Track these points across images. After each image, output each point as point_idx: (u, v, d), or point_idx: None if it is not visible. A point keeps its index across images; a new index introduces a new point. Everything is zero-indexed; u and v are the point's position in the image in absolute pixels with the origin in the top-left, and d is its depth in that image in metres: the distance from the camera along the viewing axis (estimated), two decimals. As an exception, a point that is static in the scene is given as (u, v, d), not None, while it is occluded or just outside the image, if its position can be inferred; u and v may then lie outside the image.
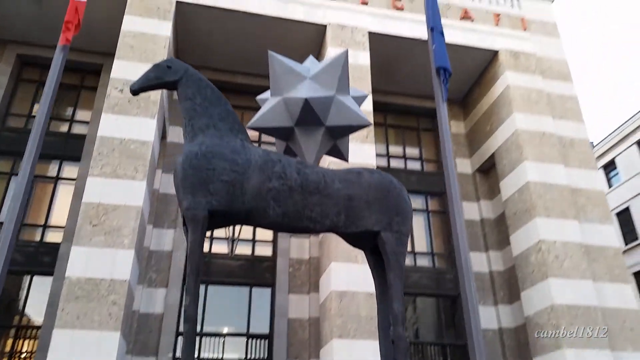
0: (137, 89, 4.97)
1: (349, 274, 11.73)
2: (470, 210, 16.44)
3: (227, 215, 4.63)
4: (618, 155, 27.32)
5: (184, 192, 4.52)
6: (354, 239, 5.09)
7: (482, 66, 16.69)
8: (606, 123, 77.35)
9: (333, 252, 12.00)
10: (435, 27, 7.30)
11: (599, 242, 13.80)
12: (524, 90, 15.49)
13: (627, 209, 26.13)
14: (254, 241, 14.84)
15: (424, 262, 15.78)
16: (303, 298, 13.87)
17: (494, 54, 16.20)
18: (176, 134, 15.46)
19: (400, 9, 15.77)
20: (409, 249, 11.19)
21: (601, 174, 27.81)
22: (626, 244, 26.16)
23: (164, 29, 13.53)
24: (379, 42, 15.23)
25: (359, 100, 5.18)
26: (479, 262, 15.64)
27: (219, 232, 14.47)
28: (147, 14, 13.62)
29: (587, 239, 13.65)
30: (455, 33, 15.46)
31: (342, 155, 5.26)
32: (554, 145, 14.75)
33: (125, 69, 12.78)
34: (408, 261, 15.05)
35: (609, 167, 27.69)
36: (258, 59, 15.71)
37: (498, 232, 16.10)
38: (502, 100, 15.78)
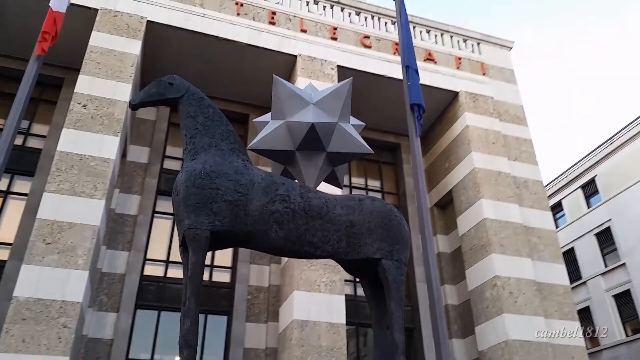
0: (138, 104, 4.86)
1: (310, 303, 11.64)
2: (428, 244, 16.72)
3: (229, 237, 4.52)
4: (564, 197, 28.67)
5: (185, 210, 4.38)
6: (352, 266, 5.03)
7: (443, 106, 17.33)
8: (555, 165, 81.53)
9: (295, 281, 11.90)
10: (410, 66, 7.60)
11: (550, 280, 14.36)
12: (481, 131, 16.16)
13: (572, 249, 27.30)
14: (212, 266, 14.50)
15: (381, 294, 15.83)
16: (260, 327, 13.59)
17: (455, 95, 16.89)
18: (136, 154, 15.12)
19: (368, 46, 16.29)
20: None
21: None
22: (570, 283, 27.20)
23: (133, 47, 13.40)
24: (346, 76, 15.51)
25: (358, 128, 5.30)
26: (435, 296, 15.85)
27: (174, 256, 14.10)
28: (117, 31, 13.46)
29: (539, 276, 14.16)
30: (419, 73, 15.99)
31: (336, 182, 5.32)
32: (509, 184, 15.36)
33: (90, 84, 12.52)
34: (362, 293, 15.07)
35: (556, 208, 28.96)
36: (227, 84, 15.76)
37: (453, 266, 16.45)
38: (461, 140, 16.38)
